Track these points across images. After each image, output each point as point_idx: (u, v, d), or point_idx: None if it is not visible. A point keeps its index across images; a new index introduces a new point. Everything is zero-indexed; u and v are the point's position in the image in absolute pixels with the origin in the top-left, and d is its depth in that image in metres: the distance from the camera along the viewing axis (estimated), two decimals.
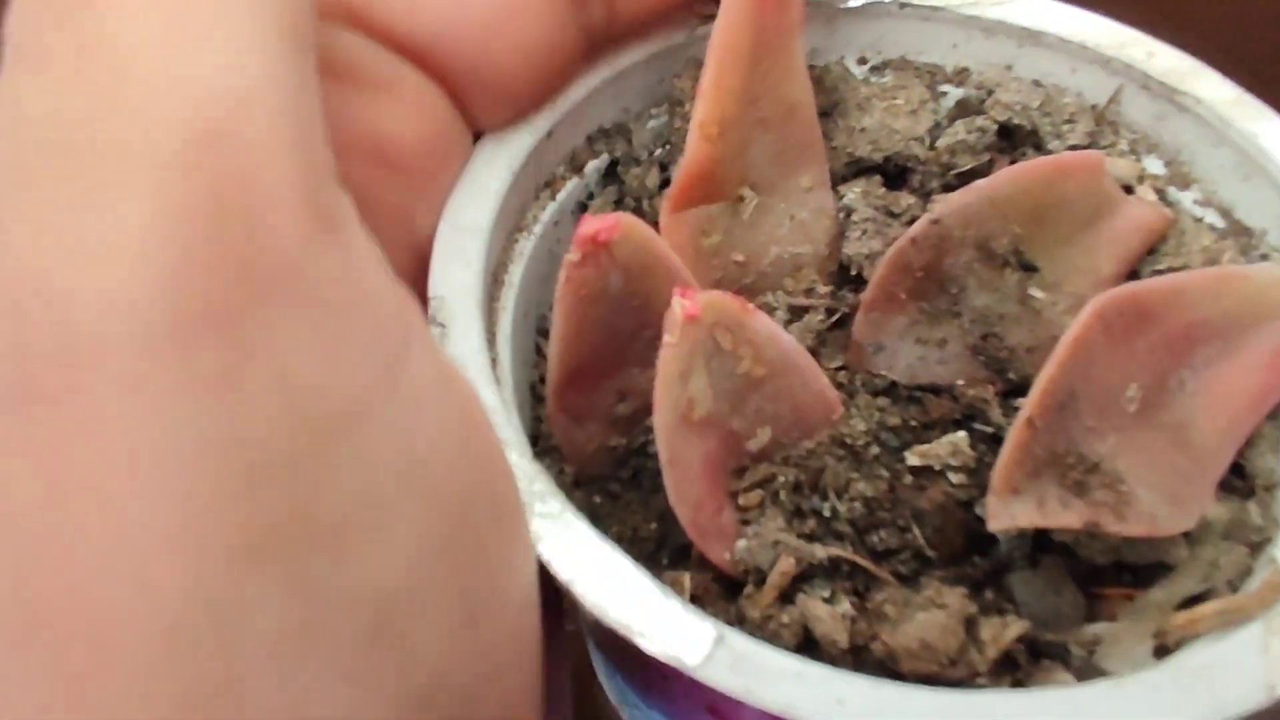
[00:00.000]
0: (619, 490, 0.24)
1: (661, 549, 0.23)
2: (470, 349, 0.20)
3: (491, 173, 0.23)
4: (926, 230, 0.22)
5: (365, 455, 0.14)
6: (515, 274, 0.24)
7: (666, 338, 0.20)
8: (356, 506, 0.14)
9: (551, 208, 0.26)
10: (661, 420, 0.20)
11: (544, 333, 0.26)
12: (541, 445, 0.24)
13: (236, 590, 0.13)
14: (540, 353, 0.26)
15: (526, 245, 0.25)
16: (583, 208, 0.26)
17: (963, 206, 0.22)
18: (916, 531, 0.21)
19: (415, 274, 0.21)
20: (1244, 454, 0.21)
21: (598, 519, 0.23)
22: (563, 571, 0.18)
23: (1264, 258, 0.24)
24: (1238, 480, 0.21)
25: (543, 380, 0.25)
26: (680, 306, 0.19)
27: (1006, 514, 0.19)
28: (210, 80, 0.14)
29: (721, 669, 0.17)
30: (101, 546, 0.13)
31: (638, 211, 0.26)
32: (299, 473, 0.14)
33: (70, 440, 0.13)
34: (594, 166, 0.26)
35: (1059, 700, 0.17)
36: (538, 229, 0.25)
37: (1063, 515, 0.19)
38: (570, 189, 0.26)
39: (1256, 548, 0.20)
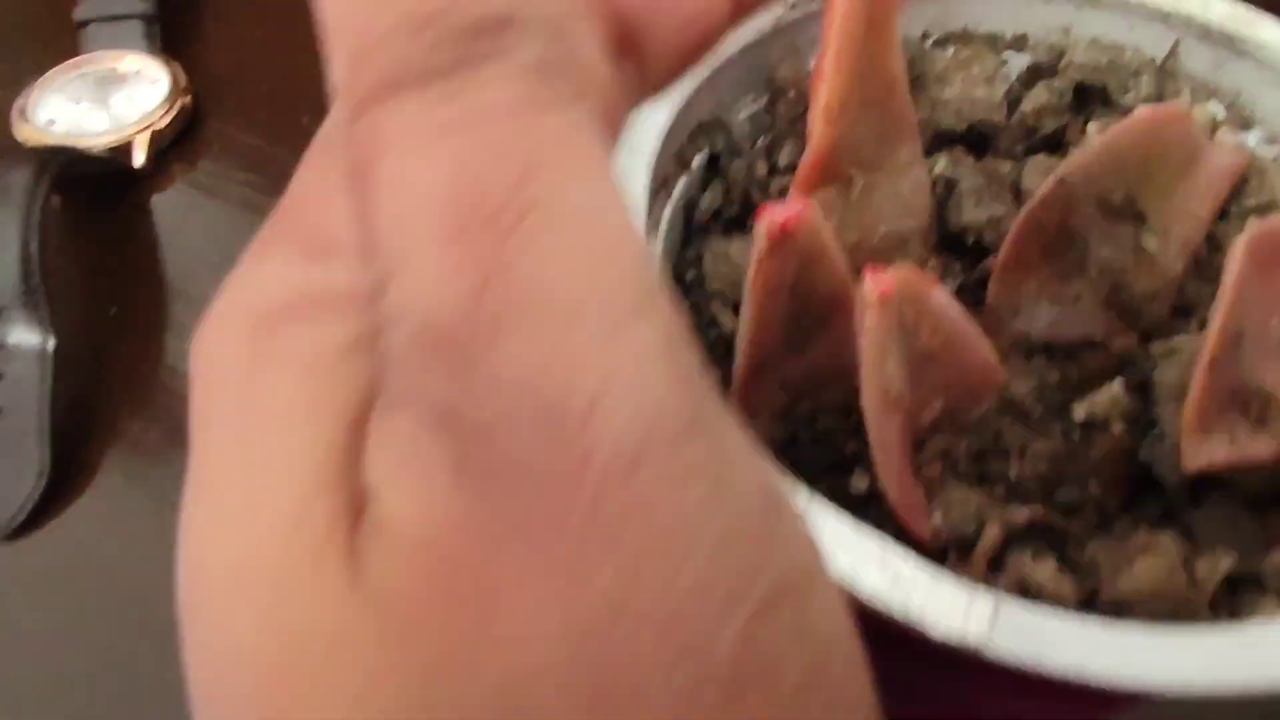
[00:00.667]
0: None
1: None
2: None
3: (633, 179, 0.23)
4: (1054, 190, 0.23)
5: None
6: None
7: (866, 321, 0.20)
8: None
9: (670, 205, 0.26)
10: (870, 404, 0.20)
11: None
12: None
13: None
14: None
15: (655, 249, 0.25)
16: (691, 205, 0.27)
17: (1085, 165, 0.23)
18: (1095, 485, 0.22)
19: None
20: None
21: None
22: (842, 564, 0.18)
23: None
24: None
25: None
26: (875, 284, 0.20)
27: (1204, 452, 0.20)
28: None
29: (1009, 638, 0.17)
30: None
31: (745, 201, 0.27)
32: None
33: None
34: (698, 161, 0.27)
35: None
36: (662, 228, 0.25)
37: (1255, 446, 0.20)
38: (681, 186, 0.26)
39: None
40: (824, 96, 0.24)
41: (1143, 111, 0.24)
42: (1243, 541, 0.22)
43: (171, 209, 0.43)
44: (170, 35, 0.48)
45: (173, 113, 0.44)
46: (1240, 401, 0.21)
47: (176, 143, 0.45)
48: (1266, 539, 0.22)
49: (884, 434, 0.21)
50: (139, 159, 0.43)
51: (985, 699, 0.20)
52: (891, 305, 0.20)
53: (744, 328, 0.21)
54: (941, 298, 0.21)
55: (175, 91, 0.45)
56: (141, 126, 0.43)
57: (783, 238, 0.20)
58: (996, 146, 0.27)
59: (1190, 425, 0.20)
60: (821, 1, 0.25)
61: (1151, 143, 0.24)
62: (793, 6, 0.26)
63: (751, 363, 0.22)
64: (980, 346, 0.22)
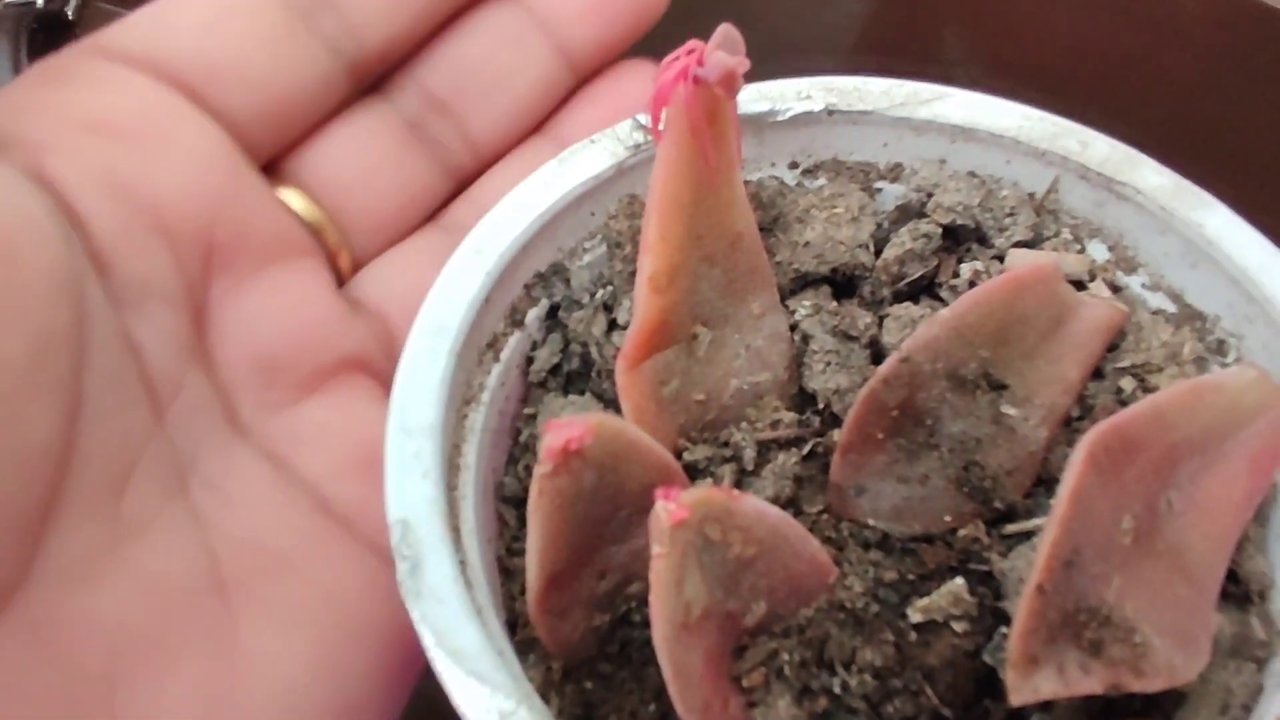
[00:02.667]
0: (609, 670, 0.22)
1: None
2: (445, 581, 0.19)
3: (433, 362, 0.22)
4: (897, 369, 0.22)
5: None
6: (470, 453, 0.23)
7: (656, 548, 0.18)
8: None
9: (497, 369, 0.24)
10: (661, 633, 0.19)
11: (505, 500, 0.24)
12: (521, 635, 0.22)
13: None
14: (502, 520, 0.24)
15: (477, 418, 0.23)
16: (529, 361, 0.25)
17: (930, 340, 0.22)
18: (930, 693, 0.20)
19: None
20: (1234, 559, 0.21)
21: (593, 708, 0.22)
22: None
23: (1221, 343, 0.24)
24: (1231, 585, 0.21)
25: (509, 552, 0.24)
26: (666, 512, 0.18)
27: (1029, 687, 0.18)
28: None
29: None
30: None
31: (585, 357, 0.25)
32: None
33: None
34: (534, 315, 0.25)
35: None
36: (485, 396, 0.24)
37: (1085, 682, 0.18)
38: (513, 344, 0.25)
39: (1262, 663, 0.20)
40: (649, 268, 0.22)
41: (1000, 279, 0.23)
42: None
43: None
44: None
45: None
46: (1074, 626, 0.19)
47: None
48: None
49: (679, 663, 0.19)
50: None
51: None
52: (688, 528, 0.18)
53: (533, 541, 0.20)
54: (750, 507, 0.20)
55: None
56: None
57: (565, 460, 0.18)
58: (862, 292, 0.26)
59: (1017, 656, 0.18)
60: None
61: (1009, 310, 0.22)
62: (636, 148, 0.25)
63: (548, 574, 0.20)
64: (805, 547, 0.21)
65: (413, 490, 0.20)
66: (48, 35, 0.42)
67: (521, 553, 0.23)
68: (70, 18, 0.44)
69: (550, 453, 0.18)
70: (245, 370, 0.24)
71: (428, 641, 0.18)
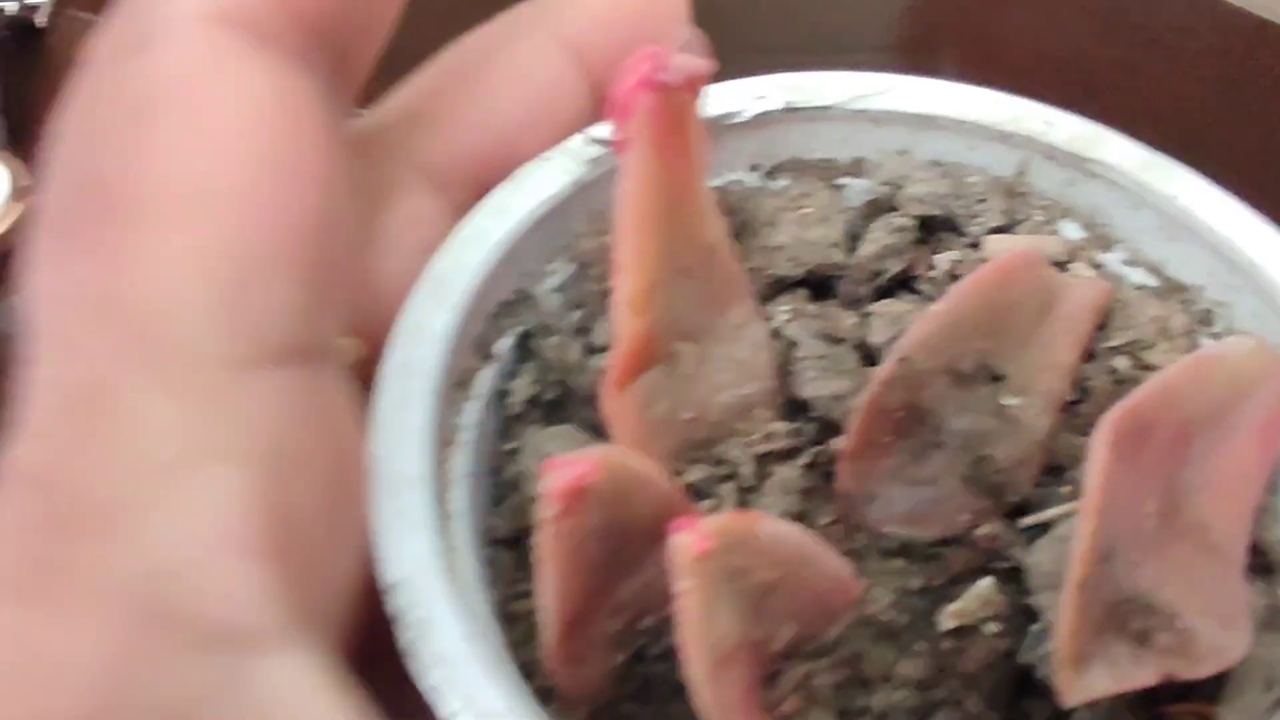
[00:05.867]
0: (634, 711, 0.21)
1: None
2: (458, 640, 0.17)
3: (409, 406, 0.20)
4: (895, 370, 0.21)
5: None
6: (456, 499, 0.21)
7: (682, 583, 0.17)
8: None
9: (470, 407, 0.23)
10: (698, 672, 0.17)
11: (496, 543, 0.23)
12: (537, 684, 0.21)
13: None
14: (496, 565, 0.23)
15: (458, 461, 0.22)
16: (502, 395, 0.24)
17: (926, 338, 0.21)
18: (974, 700, 0.19)
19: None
20: (1254, 531, 0.21)
21: None
22: None
23: (1207, 313, 0.23)
24: (1253, 557, 0.21)
25: (508, 598, 0.22)
26: (687, 546, 0.17)
27: (1082, 687, 0.18)
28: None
29: None
30: None
31: (563, 385, 0.24)
32: None
33: None
34: (503, 346, 0.23)
35: None
36: (463, 437, 0.22)
37: (1138, 674, 0.18)
38: (485, 379, 0.23)
39: None
40: (626, 289, 0.21)
41: (986, 269, 0.22)
42: None
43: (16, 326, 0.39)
44: (15, 129, 0.44)
45: (11, 217, 0.40)
46: (1118, 618, 0.18)
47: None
48: None
49: (722, 699, 0.18)
50: None
51: None
52: (712, 562, 0.17)
53: (547, 587, 0.18)
54: (770, 529, 0.19)
55: (16, 192, 0.41)
56: None
57: (574, 500, 0.17)
58: (839, 292, 0.25)
59: (1067, 656, 0.18)
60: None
61: (998, 298, 0.22)
62: (592, 162, 0.23)
63: (565, 621, 0.19)
64: (827, 563, 0.20)
65: (406, 548, 0.18)
66: (18, 42, 0.39)
67: (522, 596, 0.22)
68: (41, 24, 0.41)
69: (557, 494, 0.17)
70: None
71: (454, 708, 0.17)
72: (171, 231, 0.15)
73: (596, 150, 0.24)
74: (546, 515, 0.17)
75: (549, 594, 0.18)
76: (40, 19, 0.40)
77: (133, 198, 0.15)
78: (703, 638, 0.17)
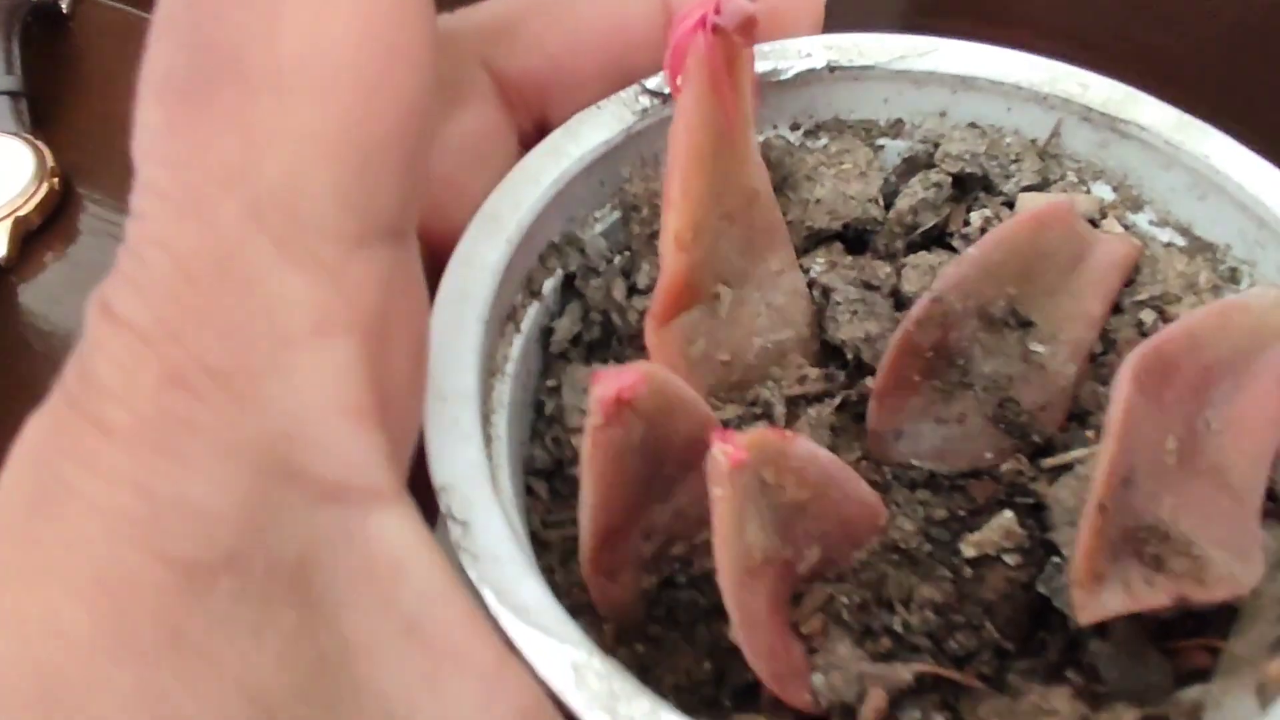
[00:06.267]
0: (660, 633, 0.22)
1: (721, 688, 0.21)
2: (500, 541, 0.18)
3: (463, 328, 0.21)
4: (929, 309, 0.22)
5: None
6: (500, 425, 0.22)
7: (716, 491, 0.18)
8: None
9: (519, 341, 0.24)
10: (728, 579, 0.18)
11: (533, 472, 0.24)
12: (569, 603, 0.22)
13: None
14: (533, 493, 0.24)
15: (503, 390, 0.23)
16: (548, 332, 0.25)
17: (960, 279, 0.22)
18: (991, 627, 0.20)
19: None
20: (1270, 476, 0.21)
21: (647, 671, 0.21)
22: None
23: (1234, 271, 0.24)
24: (1270, 503, 0.22)
25: (544, 525, 0.23)
26: (724, 454, 0.18)
27: (1096, 604, 0.18)
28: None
29: None
30: None
31: (606, 324, 0.25)
32: None
33: None
34: (550, 286, 0.25)
35: None
36: (509, 368, 0.23)
37: (1150, 595, 0.18)
38: (532, 316, 0.24)
39: None
40: (673, 224, 0.22)
41: (1021, 217, 0.23)
42: (1148, 680, 0.20)
43: (41, 301, 0.40)
44: (39, 113, 0.45)
45: (39, 197, 0.42)
46: (1134, 543, 0.19)
47: (46, 229, 0.42)
48: (1175, 670, 0.20)
49: (747, 607, 0.19)
50: (0, 250, 0.40)
51: None
52: (746, 473, 0.18)
53: (586, 497, 0.19)
54: (804, 449, 0.19)
55: (42, 174, 0.42)
56: (3, 214, 0.41)
57: (618, 410, 0.18)
58: (875, 245, 0.26)
59: (1080, 576, 0.18)
60: (672, 108, 0.23)
61: (1032, 246, 0.23)
62: (643, 113, 0.24)
63: (602, 531, 0.20)
64: (856, 488, 0.21)
65: (457, 455, 0.19)
66: (42, 28, 0.40)
67: (557, 525, 0.23)
68: (65, 11, 0.42)
69: (602, 403, 0.18)
70: None
71: (489, 600, 0.18)
72: (301, 106, 0.15)
73: (648, 101, 0.25)
74: (593, 423, 0.18)
75: (588, 504, 0.19)
76: (64, 5, 0.41)
77: (259, 68, 0.15)
78: (733, 546, 0.18)
